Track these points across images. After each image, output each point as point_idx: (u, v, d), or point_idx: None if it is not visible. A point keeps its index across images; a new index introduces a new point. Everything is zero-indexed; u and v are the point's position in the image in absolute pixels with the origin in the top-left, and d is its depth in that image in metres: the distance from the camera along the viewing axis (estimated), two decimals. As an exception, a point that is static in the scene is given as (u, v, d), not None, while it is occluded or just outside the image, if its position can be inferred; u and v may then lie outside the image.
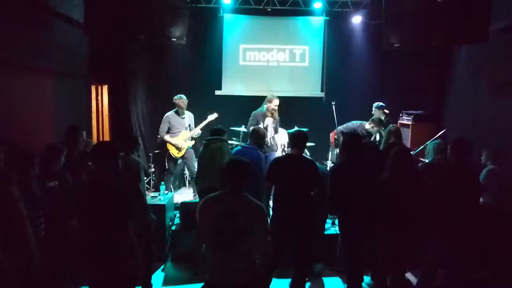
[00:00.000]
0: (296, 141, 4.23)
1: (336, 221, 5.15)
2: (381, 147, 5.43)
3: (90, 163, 4.00)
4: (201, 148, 5.07)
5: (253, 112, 6.47)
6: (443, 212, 3.94)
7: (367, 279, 4.57)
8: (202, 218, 2.95)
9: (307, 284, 4.49)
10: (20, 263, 3.11)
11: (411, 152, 6.17)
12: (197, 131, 6.61)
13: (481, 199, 4.34)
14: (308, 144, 5.29)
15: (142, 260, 4.07)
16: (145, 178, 4.67)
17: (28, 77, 4.77)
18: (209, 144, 4.90)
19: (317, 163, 4.79)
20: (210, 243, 2.93)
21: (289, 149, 4.38)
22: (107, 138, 7.47)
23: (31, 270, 3.23)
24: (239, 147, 5.03)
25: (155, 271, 4.86)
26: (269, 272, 4.30)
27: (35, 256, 3.27)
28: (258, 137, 4.87)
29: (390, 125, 5.77)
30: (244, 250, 2.87)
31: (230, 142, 6.34)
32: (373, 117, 6.64)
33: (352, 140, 4.19)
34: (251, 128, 5.16)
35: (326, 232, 5.17)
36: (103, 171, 3.14)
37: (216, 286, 2.95)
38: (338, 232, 4.82)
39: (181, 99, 6.47)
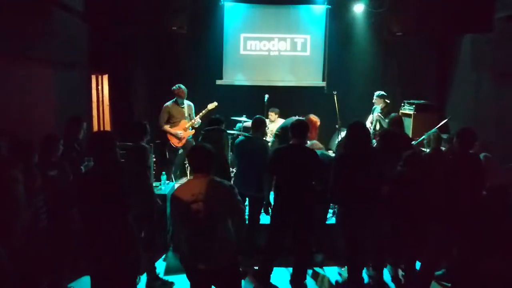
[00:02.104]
0: (296, 131, 4.20)
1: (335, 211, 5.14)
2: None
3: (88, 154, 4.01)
4: (200, 138, 5.04)
5: None
6: (448, 201, 3.94)
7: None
8: (174, 205, 3.04)
9: (308, 273, 4.50)
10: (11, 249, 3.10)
11: (413, 142, 6.18)
12: (197, 120, 6.58)
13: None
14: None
15: (146, 246, 4.10)
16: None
17: (27, 67, 4.73)
18: (207, 134, 4.85)
19: (321, 151, 4.80)
20: (184, 229, 3.03)
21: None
22: (108, 128, 7.45)
23: (24, 257, 3.22)
24: (242, 137, 5.01)
25: (157, 260, 4.88)
26: (270, 261, 4.32)
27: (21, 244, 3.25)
28: (261, 126, 4.88)
29: (393, 114, 5.73)
30: (218, 234, 2.96)
31: (231, 132, 6.32)
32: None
33: (356, 129, 4.16)
34: (255, 118, 5.12)
35: (328, 222, 5.16)
36: (101, 162, 3.14)
37: (192, 271, 3.06)
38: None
39: (180, 89, 6.42)
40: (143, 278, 4.31)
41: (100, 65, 7.05)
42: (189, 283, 3.19)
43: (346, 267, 4.32)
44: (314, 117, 5.56)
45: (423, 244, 4.02)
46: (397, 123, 5.21)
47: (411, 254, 4.13)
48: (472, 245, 3.79)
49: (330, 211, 5.38)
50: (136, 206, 3.79)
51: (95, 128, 7.09)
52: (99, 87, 7.36)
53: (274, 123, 6.93)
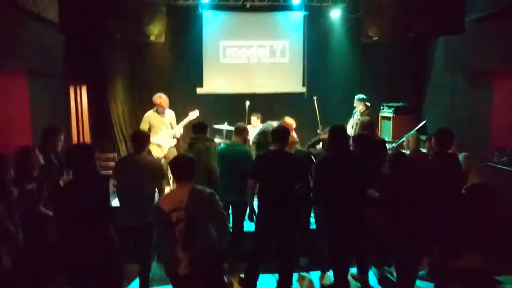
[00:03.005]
0: (277, 136, 4.22)
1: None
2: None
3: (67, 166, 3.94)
4: (186, 147, 4.95)
5: None
6: (429, 201, 3.99)
7: (354, 270, 4.61)
8: (156, 215, 3.07)
9: (294, 277, 4.50)
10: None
11: (393, 144, 6.27)
12: (179, 130, 6.53)
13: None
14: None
15: (138, 258, 4.07)
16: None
17: (1, 78, 4.65)
18: (195, 143, 4.76)
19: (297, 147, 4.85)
20: (166, 238, 3.03)
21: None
22: (87, 139, 7.35)
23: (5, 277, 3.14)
24: (223, 145, 5.00)
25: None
26: (256, 268, 4.30)
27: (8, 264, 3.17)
28: (242, 133, 4.90)
29: (363, 117, 5.81)
30: (200, 241, 2.99)
31: (217, 140, 6.29)
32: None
33: (336, 132, 4.20)
34: (237, 124, 5.13)
35: (311, 226, 5.18)
36: (81, 174, 3.10)
37: (176, 278, 3.07)
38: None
39: (162, 98, 6.33)
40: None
41: (78, 76, 6.98)
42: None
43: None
44: (289, 120, 5.59)
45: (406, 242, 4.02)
46: (367, 126, 5.23)
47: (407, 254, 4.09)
48: (453, 243, 3.86)
49: (312, 214, 5.40)
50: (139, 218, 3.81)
51: (75, 139, 6.99)
52: (78, 98, 7.26)
53: (256, 128, 6.94)
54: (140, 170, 3.96)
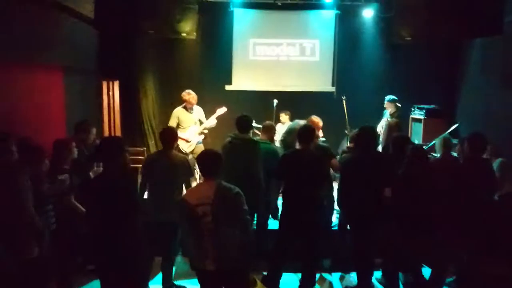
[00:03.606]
0: (303, 136, 4.20)
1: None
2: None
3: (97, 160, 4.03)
4: (226, 144, 4.60)
5: None
6: (457, 207, 3.90)
7: (378, 274, 4.55)
8: (182, 209, 3.07)
9: (316, 278, 4.48)
10: (21, 256, 3.14)
11: (424, 147, 6.13)
12: (212, 122, 6.58)
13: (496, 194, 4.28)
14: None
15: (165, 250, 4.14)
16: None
17: (37, 74, 4.81)
18: (239, 143, 4.48)
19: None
20: (191, 233, 3.05)
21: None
22: (118, 133, 7.53)
23: (33, 264, 3.26)
24: None
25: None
26: (279, 266, 4.31)
27: (35, 251, 3.29)
28: (270, 132, 4.93)
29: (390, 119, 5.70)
30: (224, 237, 2.98)
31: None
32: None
33: (364, 133, 4.15)
34: (264, 123, 5.13)
35: (333, 227, 5.14)
36: (110, 167, 3.17)
37: (202, 273, 3.11)
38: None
39: (190, 95, 6.44)
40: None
41: (111, 72, 7.15)
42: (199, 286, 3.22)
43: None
44: (315, 118, 5.53)
45: (427, 248, 3.94)
46: (394, 128, 5.15)
47: (415, 259, 4.04)
48: (482, 251, 3.75)
49: (337, 216, 5.36)
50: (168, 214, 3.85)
51: (106, 133, 7.18)
52: (110, 93, 7.45)
53: (284, 125, 6.94)
54: (168, 167, 4.03)
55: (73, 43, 5.34)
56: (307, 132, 4.23)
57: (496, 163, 4.66)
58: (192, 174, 4.22)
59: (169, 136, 4.21)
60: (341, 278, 4.69)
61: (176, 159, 4.14)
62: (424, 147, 6.09)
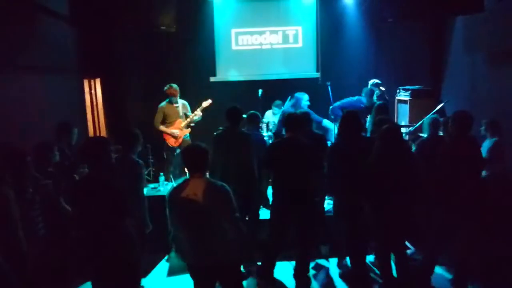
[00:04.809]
0: (290, 124, 4.16)
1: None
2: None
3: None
4: (219, 135, 4.54)
5: None
6: (446, 185, 3.90)
7: (371, 257, 4.57)
8: (170, 205, 3.02)
9: (312, 265, 4.48)
10: (13, 264, 3.07)
11: (410, 128, 6.15)
12: (195, 117, 6.52)
13: (484, 172, 4.30)
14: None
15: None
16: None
17: (15, 75, 4.68)
18: (231, 135, 4.42)
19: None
20: (182, 228, 3.01)
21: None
22: (103, 132, 7.42)
23: (26, 271, 3.19)
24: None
25: (159, 262, 4.93)
26: (272, 256, 4.30)
27: (27, 259, 3.21)
28: (256, 120, 4.92)
29: (378, 102, 5.69)
30: (215, 232, 2.93)
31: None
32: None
33: (348, 118, 4.11)
34: (248, 113, 5.09)
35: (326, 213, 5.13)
36: (96, 168, 3.10)
37: (195, 268, 3.09)
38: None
39: (172, 88, 6.37)
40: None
41: (92, 69, 7.00)
42: (192, 282, 3.19)
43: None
44: None
45: (405, 226, 3.92)
46: (382, 111, 5.16)
47: (394, 236, 3.96)
48: (473, 228, 3.77)
49: (330, 202, 5.36)
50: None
51: (91, 132, 7.06)
52: (92, 91, 7.31)
53: (276, 115, 6.94)
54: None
55: (50, 42, 5.20)
56: (293, 120, 4.18)
57: (490, 142, 4.67)
58: (142, 180, 4.03)
59: (129, 139, 4.04)
60: (338, 264, 4.70)
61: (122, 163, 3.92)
62: (410, 128, 6.13)
